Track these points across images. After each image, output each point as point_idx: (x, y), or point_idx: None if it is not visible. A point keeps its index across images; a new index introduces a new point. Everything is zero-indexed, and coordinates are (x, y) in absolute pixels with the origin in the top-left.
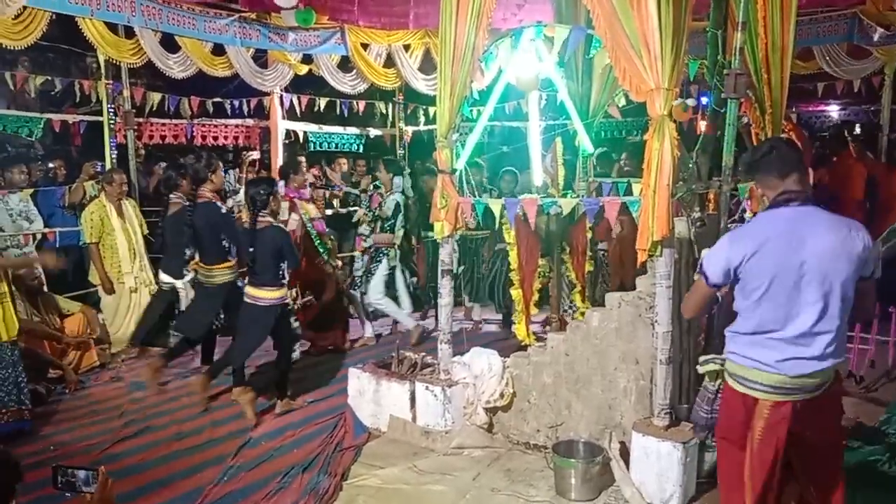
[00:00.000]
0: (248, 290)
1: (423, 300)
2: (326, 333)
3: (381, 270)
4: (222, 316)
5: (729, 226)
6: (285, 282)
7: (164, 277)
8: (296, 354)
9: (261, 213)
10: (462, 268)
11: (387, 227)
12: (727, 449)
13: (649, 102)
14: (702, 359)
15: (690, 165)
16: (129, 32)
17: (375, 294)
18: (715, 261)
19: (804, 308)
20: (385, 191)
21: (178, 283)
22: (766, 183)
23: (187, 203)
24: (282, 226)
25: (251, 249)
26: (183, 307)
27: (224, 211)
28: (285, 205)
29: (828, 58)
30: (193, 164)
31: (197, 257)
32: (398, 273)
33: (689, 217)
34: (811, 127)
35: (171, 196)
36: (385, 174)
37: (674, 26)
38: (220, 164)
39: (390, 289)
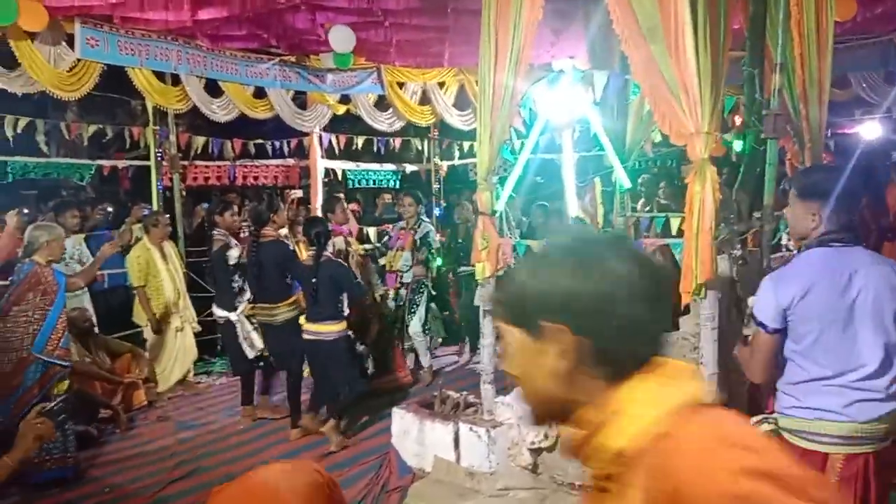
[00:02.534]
0: (310, 327)
1: (460, 335)
2: (384, 374)
3: (423, 303)
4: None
5: (771, 264)
6: (345, 315)
7: (217, 311)
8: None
9: (324, 249)
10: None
11: (423, 258)
12: None
13: (689, 146)
14: (753, 420)
15: (732, 200)
16: (175, 79)
17: (416, 328)
18: (765, 306)
19: (863, 349)
20: (410, 224)
21: (233, 316)
22: (805, 216)
23: (231, 239)
24: (341, 260)
25: (314, 280)
26: (241, 339)
27: (292, 248)
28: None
29: (864, 85)
30: (256, 206)
31: (253, 297)
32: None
33: (731, 255)
34: (849, 152)
35: (214, 232)
36: (415, 206)
37: (712, 70)
38: (282, 205)
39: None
